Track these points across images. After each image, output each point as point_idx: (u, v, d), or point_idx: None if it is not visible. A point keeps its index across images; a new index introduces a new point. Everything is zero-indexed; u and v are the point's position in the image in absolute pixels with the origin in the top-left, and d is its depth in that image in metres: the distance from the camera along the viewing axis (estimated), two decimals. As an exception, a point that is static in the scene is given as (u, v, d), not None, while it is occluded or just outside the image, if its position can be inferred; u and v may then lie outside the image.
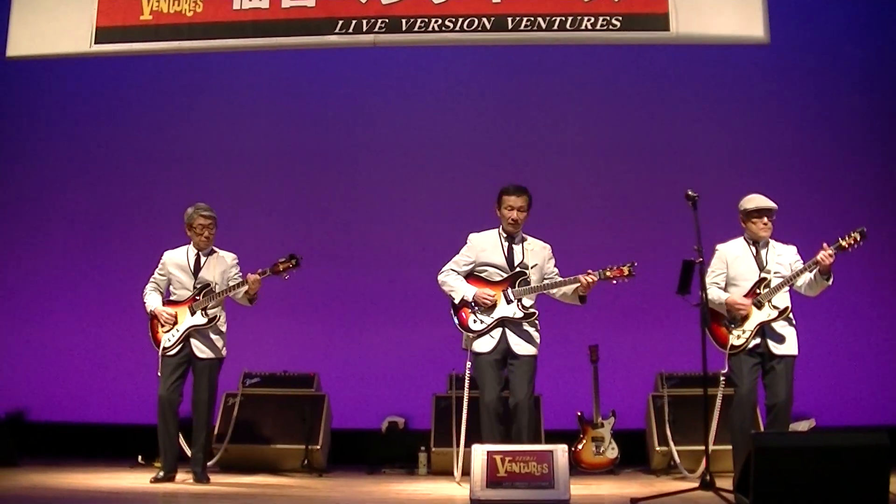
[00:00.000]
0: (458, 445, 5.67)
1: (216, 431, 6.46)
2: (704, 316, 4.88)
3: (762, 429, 5.61)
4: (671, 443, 6.20)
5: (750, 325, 5.16)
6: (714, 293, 5.22)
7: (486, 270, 5.40)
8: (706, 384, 4.85)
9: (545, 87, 7.99)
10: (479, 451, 4.56)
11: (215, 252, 5.93)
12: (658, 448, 6.30)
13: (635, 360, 7.11)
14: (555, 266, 5.47)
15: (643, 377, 6.86)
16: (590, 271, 5.18)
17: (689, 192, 4.96)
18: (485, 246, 5.43)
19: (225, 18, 7.38)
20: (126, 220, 7.96)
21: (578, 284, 5.20)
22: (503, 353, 5.25)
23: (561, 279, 5.32)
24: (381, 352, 7.56)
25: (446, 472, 6.03)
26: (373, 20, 7.21)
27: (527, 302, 5.30)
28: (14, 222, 8.08)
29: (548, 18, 7.11)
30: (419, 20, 7.17)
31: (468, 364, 5.39)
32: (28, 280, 7.97)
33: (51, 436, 7.52)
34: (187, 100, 8.19)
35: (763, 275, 5.22)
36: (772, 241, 5.32)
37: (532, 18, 7.11)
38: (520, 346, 5.25)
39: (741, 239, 5.37)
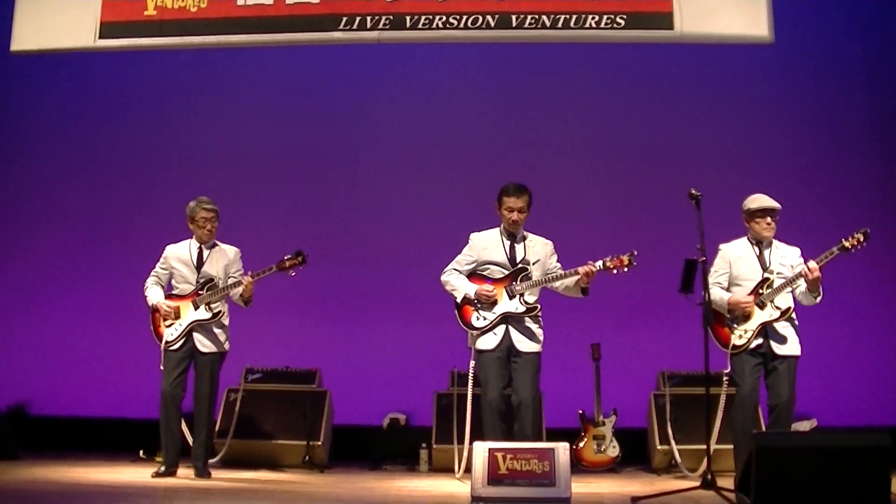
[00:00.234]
0: (461, 442, 5.66)
1: (218, 427, 6.47)
2: (707, 315, 4.88)
3: (764, 429, 5.61)
4: (672, 442, 6.20)
5: (752, 325, 5.16)
6: (716, 293, 5.22)
7: (488, 269, 5.40)
8: (708, 383, 4.86)
9: (547, 87, 7.98)
10: (481, 449, 4.56)
11: (218, 245, 5.93)
12: (659, 447, 6.30)
13: (637, 359, 7.11)
14: (557, 262, 5.47)
15: (645, 376, 6.86)
16: (590, 262, 5.19)
17: (693, 192, 4.97)
18: (486, 245, 5.44)
19: (229, 14, 7.39)
20: (128, 215, 7.96)
21: (579, 276, 5.20)
22: (506, 350, 5.26)
23: (562, 272, 5.33)
24: (383, 348, 7.56)
25: (447, 469, 6.03)
26: (377, 17, 7.21)
27: (529, 298, 5.31)
28: (17, 216, 8.09)
29: (552, 16, 7.11)
30: (423, 17, 7.17)
31: (472, 363, 5.38)
32: (30, 274, 7.97)
33: (52, 430, 7.53)
34: (189, 98, 8.18)
35: (766, 275, 5.22)
36: (775, 242, 5.32)
37: (536, 16, 7.11)
38: (523, 343, 5.25)
39: (745, 239, 5.37)
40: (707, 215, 4.92)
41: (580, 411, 6.58)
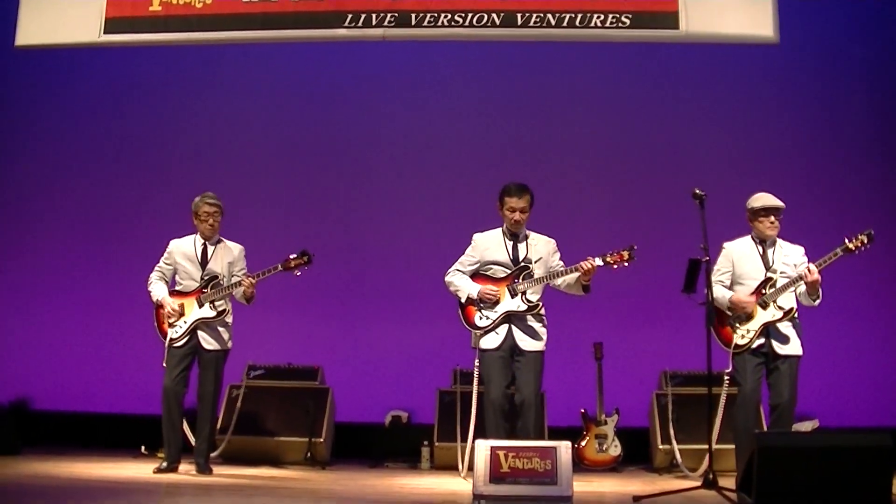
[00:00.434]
0: (464, 440, 5.66)
1: (219, 423, 6.47)
2: (709, 315, 4.89)
3: (765, 428, 5.61)
4: (674, 441, 6.20)
5: (754, 324, 5.15)
6: (718, 292, 5.21)
7: (491, 268, 5.40)
8: (710, 383, 4.86)
9: (550, 86, 7.98)
10: (483, 447, 4.57)
11: (222, 242, 5.93)
12: (661, 446, 6.30)
13: (639, 358, 7.11)
14: (560, 260, 5.47)
15: (647, 375, 6.86)
16: (589, 257, 5.18)
17: (697, 191, 4.97)
18: (489, 245, 5.44)
19: (233, 10, 7.39)
20: (130, 212, 7.95)
21: (580, 273, 5.20)
22: (510, 349, 5.26)
23: (563, 269, 5.33)
24: (386, 346, 7.57)
25: (449, 467, 6.04)
26: (382, 14, 7.22)
27: (532, 296, 5.31)
28: (19, 211, 8.09)
29: (557, 15, 7.11)
30: (429, 14, 7.17)
31: (476, 362, 5.38)
32: (32, 269, 7.97)
33: (54, 425, 7.53)
34: (190, 96, 8.17)
35: (769, 274, 5.21)
36: (779, 241, 5.30)
37: (541, 15, 7.11)
38: (526, 342, 5.26)
39: (748, 238, 5.36)
40: (709, 215, 4.93)
41: (582, 410, 6.58)
